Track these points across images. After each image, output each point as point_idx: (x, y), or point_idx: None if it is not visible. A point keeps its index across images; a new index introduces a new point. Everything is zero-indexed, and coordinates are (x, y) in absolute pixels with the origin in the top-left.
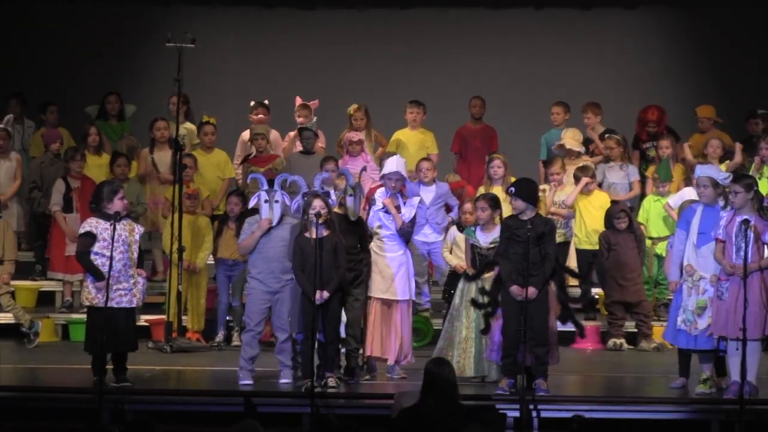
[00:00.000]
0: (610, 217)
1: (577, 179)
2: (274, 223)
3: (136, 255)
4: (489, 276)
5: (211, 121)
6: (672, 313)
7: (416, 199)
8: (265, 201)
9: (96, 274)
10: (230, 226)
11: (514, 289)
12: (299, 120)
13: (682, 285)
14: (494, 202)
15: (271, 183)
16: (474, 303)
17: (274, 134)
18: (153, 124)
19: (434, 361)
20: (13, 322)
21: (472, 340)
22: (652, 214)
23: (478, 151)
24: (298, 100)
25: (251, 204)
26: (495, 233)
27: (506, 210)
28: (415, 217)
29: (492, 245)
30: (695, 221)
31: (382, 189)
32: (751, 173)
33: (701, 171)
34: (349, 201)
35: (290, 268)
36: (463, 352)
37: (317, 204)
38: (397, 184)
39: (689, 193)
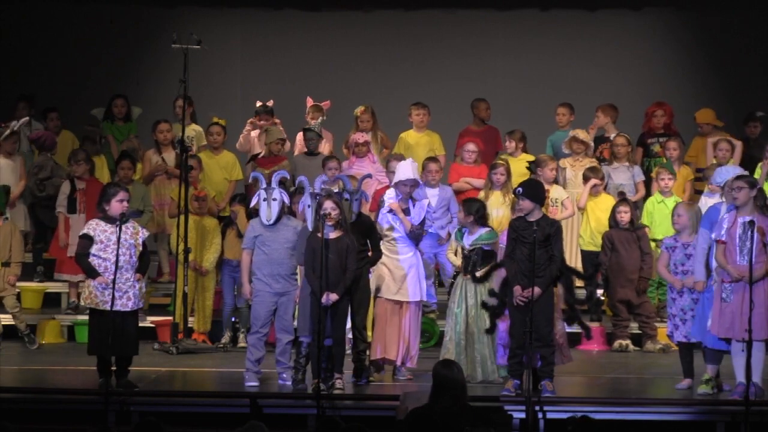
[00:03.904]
0: (613, 213)
1: (586, 179)
2: (272, 221)
3: (134, 258)
4: (481, 274)
5: (219, 123)
6: (702, 314)
7: (426, 201)
8: (264, 200)
9: (92, 275)
10: (234, 227)
11: (516, 289)
12: (311, 121)
13: (712, 286)
14: (469, 209)
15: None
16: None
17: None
18: (155, 127)
19: (442, 362)
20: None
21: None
22: (657, 216)
23: (482, 153)
24: (309, 101)
25: (253, 203)
26: (476, 234)
27: (506, 213)
28: (424, 219)
29: (473, 246)
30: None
31: (391, 191)
32: (757, 177)
33: (729, 174)
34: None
35: (295, 270)
36: (447, 352)
37: (328, 205)
38: (411, 190)
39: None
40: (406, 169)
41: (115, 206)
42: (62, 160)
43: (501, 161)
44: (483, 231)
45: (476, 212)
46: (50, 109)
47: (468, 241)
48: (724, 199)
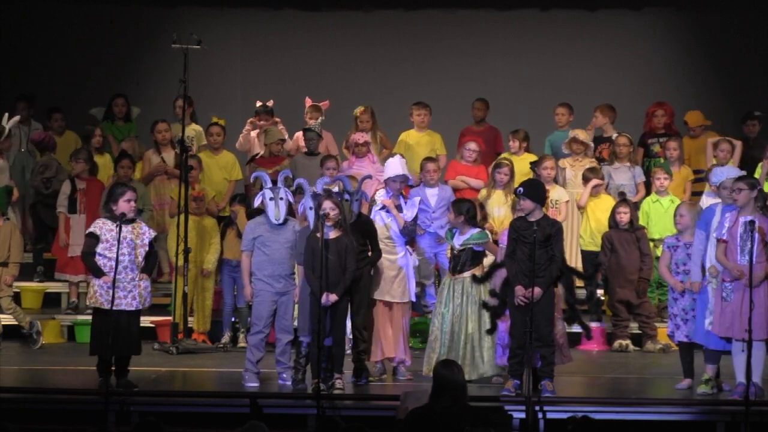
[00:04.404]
0: (613, 213)
1: (586, 180)
2: (280, 220)
3: (140, 258)
4: (468, 275)
5: (219, 123)
6: (699, 315)
7: (417, 198)
8: (270, 199)
9: (97, 275)
10: (234, 227)
11: (518, 289)
12: (310, 121)
13: (706, 286)
14: (459, 209)
15: (275, 182)
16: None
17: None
18: (154, 127)
19: (442, 362)
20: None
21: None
22: (652, 216)
23: (482, 153)
24: (308, 101)
25: (256, 203)
26: (467, 235)
27: (507, 213)
28: (417, 215)
29: (463, 246)
30: (715, 222)
31: (383, 190)
32: (757, 176)
33: (724, 174)
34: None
35: (294, 269)
36: (432, 351)
37: (327, 205)
38: (401, 186)
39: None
40: (395, 166)
41: (123, 206)
42: (65, 160)
43: (506, 161)
44: (474, 231)
45: (466, 212)
46: (54, 110)
47: (458, 241)
48: (720, 199)
